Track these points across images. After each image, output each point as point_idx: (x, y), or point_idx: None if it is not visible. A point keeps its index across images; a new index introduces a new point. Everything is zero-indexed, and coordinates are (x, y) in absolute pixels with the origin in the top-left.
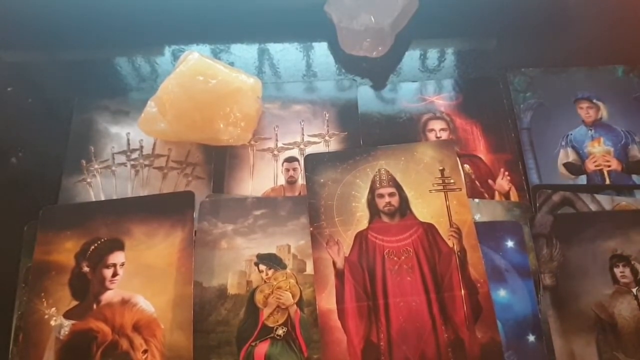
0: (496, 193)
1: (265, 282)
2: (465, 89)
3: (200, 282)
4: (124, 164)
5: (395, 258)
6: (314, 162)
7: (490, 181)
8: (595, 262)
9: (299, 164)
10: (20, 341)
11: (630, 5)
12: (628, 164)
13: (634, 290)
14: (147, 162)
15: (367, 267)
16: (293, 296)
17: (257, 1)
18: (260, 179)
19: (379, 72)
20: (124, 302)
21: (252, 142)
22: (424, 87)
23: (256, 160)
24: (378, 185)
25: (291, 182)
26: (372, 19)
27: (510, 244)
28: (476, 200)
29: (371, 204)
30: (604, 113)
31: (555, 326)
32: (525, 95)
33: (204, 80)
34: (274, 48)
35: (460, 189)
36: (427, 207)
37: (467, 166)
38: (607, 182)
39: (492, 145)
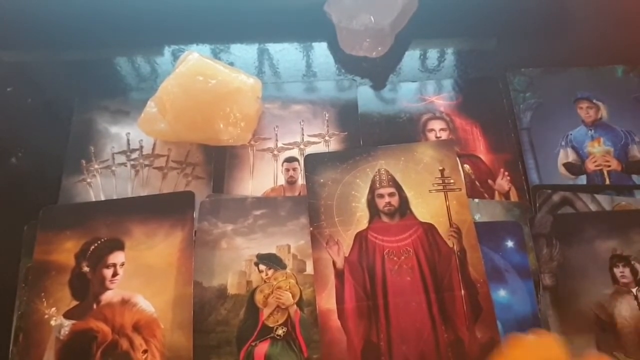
0: (496, 193)
1: (265, 282)
2: (465, 89)
3: (200, 282)
4: (124, 164)
5: (395, 258)
6: (313, 162)
7: (490, 181)
8: (595, 262)
9: (299, 164)
10: (21, 341)
11: (630, 5)
12: (628, 164)
13: (634, 290)
14: (147, 162)
15: (367, 267)
16: (293, 296)
17: (257, 1)
18: (260, 179)
19: (378, 72)
20: (124, 302)
21: (252, 142)
22: (424, 87)
23: (256, 160)
24: (378, 185)
25: (291, 182)
26: (372, 19)
27: (510, 244)
28: (476, 200)
29: (371, 204)
30: (603, 113)
31: (555, 326)
32: (525, 95)
33: (203, 81)
34: (274, 48)
35: (460, 189)
36: (427, 207)
37: (467, 166)
38: (607, 182)
39: (492, 145)
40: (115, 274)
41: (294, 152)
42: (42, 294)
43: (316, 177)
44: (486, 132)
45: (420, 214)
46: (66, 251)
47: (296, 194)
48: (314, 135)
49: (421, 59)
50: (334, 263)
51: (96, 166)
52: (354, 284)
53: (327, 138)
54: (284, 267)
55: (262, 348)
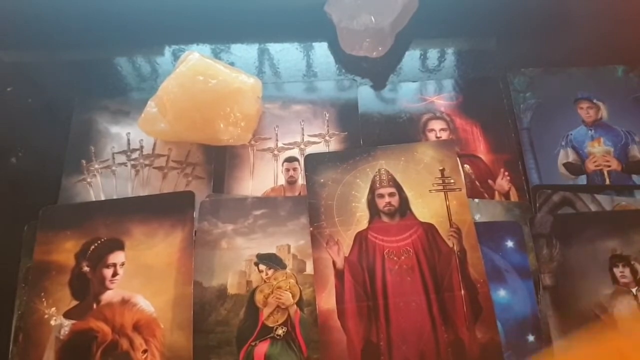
0: (496, 193)
1: (265, 282)
2: (466, 89)
3: (200, 282)
4: (124, 164)
5: (395, 258)
6: (314, 162)
7: (490, 181)
8: (595, 262)
9: (299, 164)
10: (20, 341)
11: (630, 5)
12: (628, 164)
13: (634, 290)
14: (147, 162)
15: (367, 267)
16: (293, 296)
17: (257, 1)
18: (260, 179)
19: (379, 72)
20: (124, 302)
21: (252, 142)
22: (424, 87)
23: (256, 160)
24: (378, 185)
25: (291, 182)
26: (372, 19)
27: (510, 244)
28: (476, 200)
29: (371, 204)
30: (604, 113)
31: (554, 326)
32: (525, 95)
33: (204, 80)
34: (274, 48)
35: (460, 189)
36: (427, 207)
37: (467, 166)
38: (607, 182)
39: (492, 146)
40: (115, 274)
41: (294, 152)
42: (42, 293)
43: (316, 177)
44: (486, 132)
45: (420, 214)
46: (66, 251)
47: (296, 194)
48: (314, 135)
49: (421, 59)
50: (334, 263)
51: (96, 166)
52: (354, 284)
53: (327, 138)
54: (284, 267)
55: (262, 348)
